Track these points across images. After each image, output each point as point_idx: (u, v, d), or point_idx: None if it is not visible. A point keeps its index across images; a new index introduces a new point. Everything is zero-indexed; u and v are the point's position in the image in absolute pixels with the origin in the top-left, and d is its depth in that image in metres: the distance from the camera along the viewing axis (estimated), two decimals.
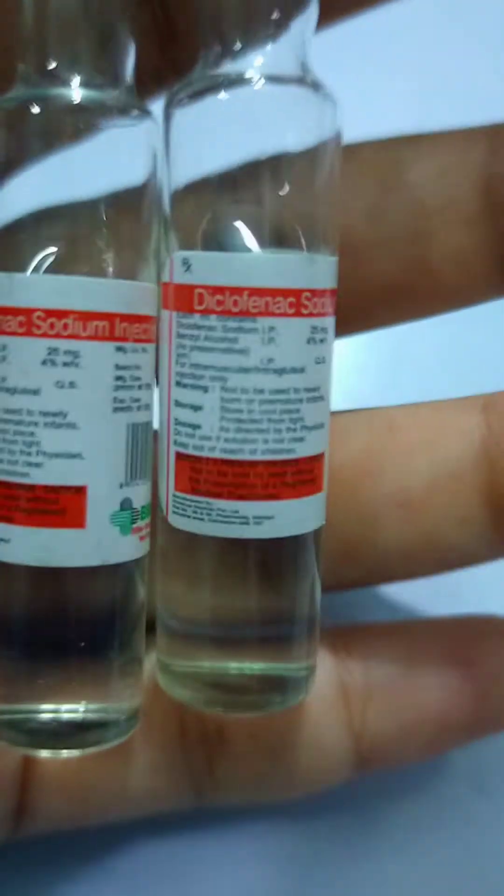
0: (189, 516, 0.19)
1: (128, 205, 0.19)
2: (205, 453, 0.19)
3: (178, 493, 0.19)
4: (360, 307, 0.21)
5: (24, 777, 0.22)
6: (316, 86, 0.19)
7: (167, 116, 0.19)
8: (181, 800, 0.23)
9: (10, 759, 0.21)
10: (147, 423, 0.19)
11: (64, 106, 0.18)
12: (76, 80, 0.18)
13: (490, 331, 0.28)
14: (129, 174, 0.19)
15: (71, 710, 0.20)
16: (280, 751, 0.23)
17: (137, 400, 0.19)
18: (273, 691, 0.20)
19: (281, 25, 0.18)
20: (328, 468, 0.20)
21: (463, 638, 0.23)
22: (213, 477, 0.19)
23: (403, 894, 0.26)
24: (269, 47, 0.18)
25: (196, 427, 0.19)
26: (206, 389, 0.18)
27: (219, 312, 0.18)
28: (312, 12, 0.18)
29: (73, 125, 0.18)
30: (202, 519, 0.19)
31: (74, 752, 0.20)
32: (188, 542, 0.19)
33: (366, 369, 0.30)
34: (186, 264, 0.18)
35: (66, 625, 0.19)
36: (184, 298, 0.18)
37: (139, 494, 0.19)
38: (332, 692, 0.22)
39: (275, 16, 0.18)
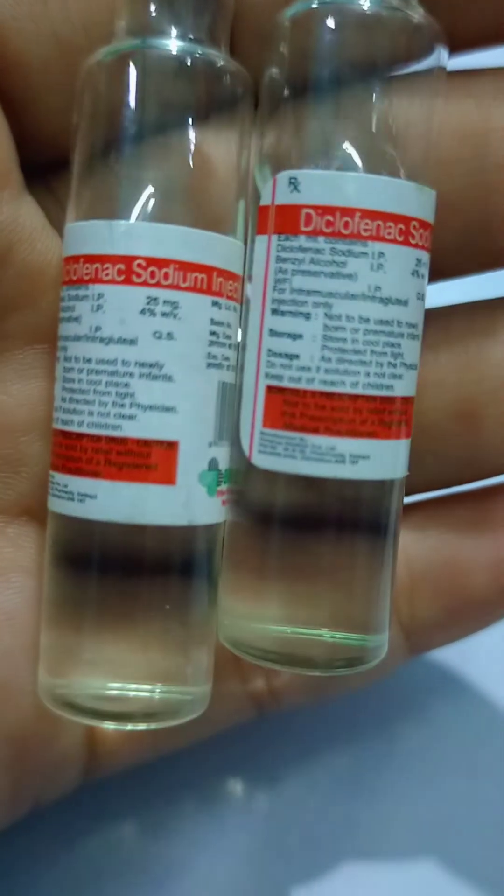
0: (279, 454, 0.18)
1: (222, 155, 0.18)
2: (302, 385, 0.18)
3: (268, 430, 0.18)
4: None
5: (89, 741, 0.21)
6: (422, 15, 0.18)
7: (279, 32, 0.18)
8: (244, 718, 0.22)
9: (75, 731, 0.20)
10: (233, 384, 0.18)
11: (163, 58, 0.18)
12: (174, 34, 0.18)
13: None
14: (224, 125, 0.18)
15: (141, 689, 0.18)
16: None
17: (227, 359, 0.18)
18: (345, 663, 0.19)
19: None
20: None
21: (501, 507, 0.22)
22: (311, 411, 0.18)
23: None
24: None
25: (293, 357, 0.18)
26: (307, 316, 0.17)
27: (328, 234, 0.17)
28: None
29: (172, 76, 0.18)
30: (294, 457, 0.18)
31: (140, 726, 0.19)
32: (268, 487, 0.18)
33: None
34: (293, 184, 0.17)
35: (145, 588, 0.18)
36: (288, 219, 0.17)
37: (223, 456, 0.18)
38: None
39: None
